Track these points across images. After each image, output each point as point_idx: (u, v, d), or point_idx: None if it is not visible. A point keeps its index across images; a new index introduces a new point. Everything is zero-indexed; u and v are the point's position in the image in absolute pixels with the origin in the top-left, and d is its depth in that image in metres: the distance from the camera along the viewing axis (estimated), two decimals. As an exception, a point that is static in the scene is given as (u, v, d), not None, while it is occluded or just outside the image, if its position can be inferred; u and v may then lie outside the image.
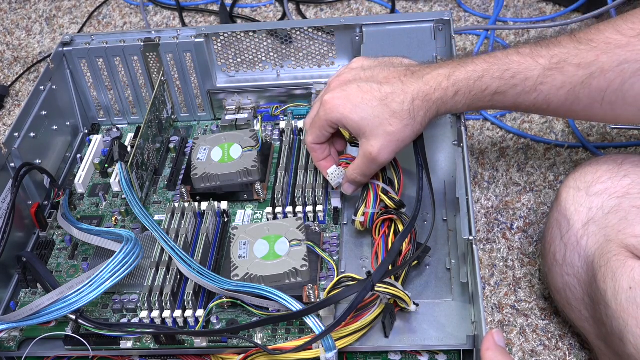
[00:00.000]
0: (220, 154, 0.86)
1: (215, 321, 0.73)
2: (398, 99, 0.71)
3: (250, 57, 0.96)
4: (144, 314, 0.72)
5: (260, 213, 0.85)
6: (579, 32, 0.69)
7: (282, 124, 0.91)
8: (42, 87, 0.92)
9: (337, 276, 0.71)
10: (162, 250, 0.76)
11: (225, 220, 0.83)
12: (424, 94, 0.71)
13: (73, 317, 0.70)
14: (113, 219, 0.87)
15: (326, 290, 0.69)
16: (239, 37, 0.95)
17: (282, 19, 1.38)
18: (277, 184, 0.83)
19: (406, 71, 0.73)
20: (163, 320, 0.72)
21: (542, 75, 0.69)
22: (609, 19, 0.70)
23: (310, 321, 0.66)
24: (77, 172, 0.92)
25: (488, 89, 0.71)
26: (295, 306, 0.67)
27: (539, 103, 0.71)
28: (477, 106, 0.73)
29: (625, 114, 0.70)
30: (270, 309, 0.70)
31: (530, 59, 0.70)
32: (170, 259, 0.75)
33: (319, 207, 0.81)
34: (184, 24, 1.40)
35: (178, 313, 0.72)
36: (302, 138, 0.89)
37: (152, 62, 0.96)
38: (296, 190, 0.81)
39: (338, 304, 0.71)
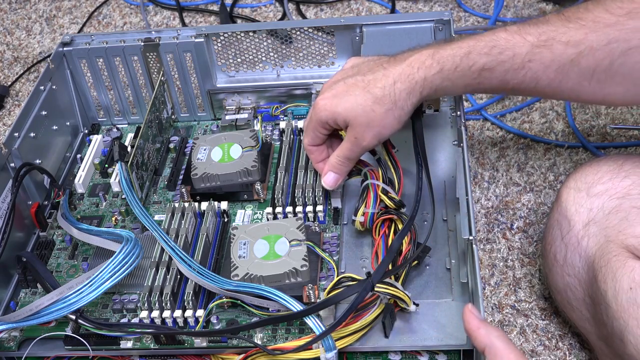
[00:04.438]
0: (220, 154, 0.86)
1: (215, 321, 0.73)
2: (379, 84, 0.71)
3: (250, 57, 0.96)
4: (144, 314, 0.72)
5: (260, 213, 0.85)
6: (567, 10, 0.68)
7: (282, 124, 0.91)
8: (42, 87, 0.92)
9: (337, 276, 0.71)
10: (162, 250, 0.76)
11: (225, 220, 0.83)
12: (406, 75, 0.70)
13: (73, 317, 0.70)
14: (113, 219, 0.87)
15: (326, 291, 0.69)
16: (239, 37, 0.95)
17: (282, 19, 1.38)
18: (277, 184, 0.83)
19: (389, 58, 0.73)
20: (163, 320, 0.72)
21: (530, 52, 0.68)
22: None
23: (311, 321, 0.66)
24: (77, 172, 0.92)
25: (475, 65, 0.69)
26: (296, 306, 0.67)
27: (526, 81, 0.69)
28: (463, 85, 0.71)
29: (613, 94, 0.69)
30: (270, 309, 0.70)
31: (518, 36, 0.68)
32: (170, 259, 0.75)
33: (319, 207, 0.81)
34: (184, 24, 1.40)
35: (178, 313, 0.72)
36: (301, 138, 0.89)
37: (152, 62, 0.96)
38: (296, 190, 0.81)
39: (338, 304, 0.71)
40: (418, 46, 0.74)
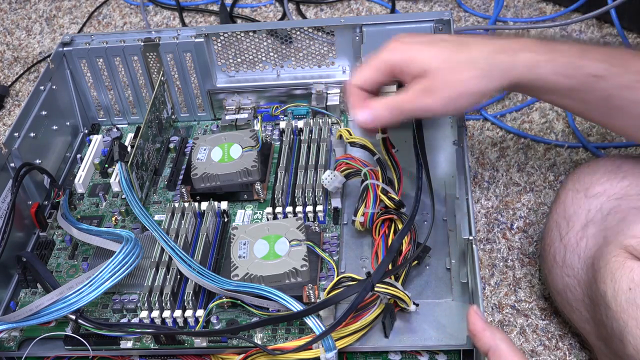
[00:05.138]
0: (220, 154, 0.86)
1: (215, 321, 0.73)
2: (478, 47, 0.62)
3: (250, 57, 0.96)
4: (144, 314, 0.72)
5: (260, 213, 0.85)
6: None
7: (282, 124, 0.91)
8: (42, 87, 0.92)
9: (337, 276, 0.71)
10: (162, 250, 0.76)
11: (225, 220, 0.83)
12: (513, 49, 0.62)
13: (73, 317, 0.70)
14: (113, 219, 0.87)
15: (326, 290, 0.69)
16: (239, 37, 0.95)
17: (282, 19, 1.38)
18: (277, 184, 0.83)
19: (490, 36, 0.66)
20: (163, 320, 0.72)
21: None
22: None
23: (311, 321, 0.66)
24: (77, 172, 0.92)
25: (587, 68, 0.61)
26: (296, 306, 0.67)
27: (633, 103, 0.61)
28: (568, 87, 0.62)
29: None
30: (270, 309, 0.70)
31: (637, 58, 0.61)
32: (170, 259, 0.75)
33: (319, 207, 0.81)
34: (184, 24, 1.40)
35: (178, 313, 0.72)
36: (302, 138, 0.89)
37: (152, 62, 0.96)
38: (296, 190, 0.81)
39: (338, 304, 0.71)
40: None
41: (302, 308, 0.67)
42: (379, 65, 0.66)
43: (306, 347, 0.66)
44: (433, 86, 0.62)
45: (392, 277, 0.69)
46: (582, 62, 0.62)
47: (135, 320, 0.74)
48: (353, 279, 0.69)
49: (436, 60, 0.62)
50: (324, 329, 0.66)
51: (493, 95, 0.62)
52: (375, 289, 0.66)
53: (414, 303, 0.69)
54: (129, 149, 0.88)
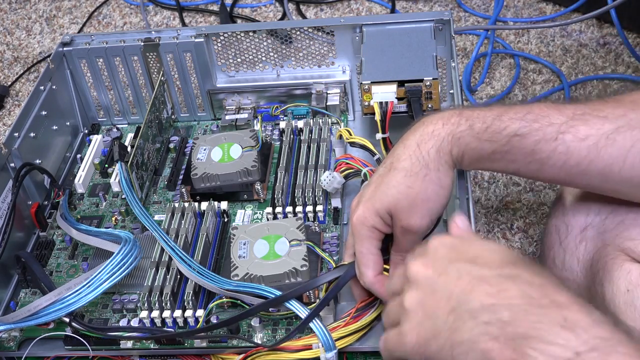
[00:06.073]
0: (220, 154, 0.86)
1: (215, 321, 0.73)
2: (402, 157, 0.64)
3: (250, 57, 0.96)
4: (144, 314, 0.72)
5: (260, 213, 0.85)
6: (604, 96, 0.64)
7: (282, 124, 0.91)
8: (42, 87, 0.92)
9: (337, 276, 0.71)
10: (162, 250, 0.76)
11: (225, 220, 0.83)
12: (428, 133, 0.64)
13: (67, 320, 0.70)
14: (113, 219, 0.87)
15: (324, 289, 0.70)
16: (239, 37, 0.95)
17: (282, 19, 1.38)
18: (277, 184, 0.83)
19: (401, 138, 0.67)
20: (163, 320, 0.72)
21: (565, 124, 0.62)
22: None
23: (292, 305, 0.67)
24: (77, 172, 0.92)
25: (506, 129, 0.63)
26: (295, 306, 0.67)
27: (556, 156, 0.63)
28: (490, 150, 0.64)
29: None
30: (270, 309, 0.70)
31: (554, 109, 0.63)
32: (170, 259, 0.75)
33: (319, 207, 0.81)
34: (184, 24, 1.40)
35: (178, 313, 0.72)
36: (302, 138, 0.89)
37: (152, 62, 0.96)
38: (296, 190, 0.81)
39: (338, 304, 0.71)
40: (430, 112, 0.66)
41: (303, 310, 0.67)
42: (365, 243, 0.66)
43: (293, 337, 0.67)
44: (405, 220, 0.64)
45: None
46: (501, 124, 0.63)
47: (136, 320, 0.74)
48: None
49: (390, 198, 0.64)
50: (308, 312, 0.67)
51: (452, 177, 0.65)
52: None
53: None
54: (129, 149, 0.88)
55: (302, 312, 0.67)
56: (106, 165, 0.93)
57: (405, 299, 0.53)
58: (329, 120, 0.92)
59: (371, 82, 0.83)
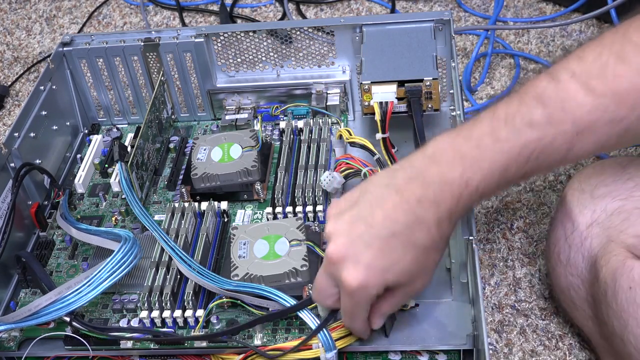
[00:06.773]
0: (220, 154, 0.86)
1: (215, 321, 0.73)
2: (423, 227, 0.59)
3: (250, 57, 0.96)
4: (144, 314, 0.72)
5: (260, 213, 0.85)
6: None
7: (282, 124, 0.91)
8: (42, 87, 0.92)
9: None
10: (162, 250, 0.76)
11: (225, 220, 0.83)
12: (447, 194, 0.59)
13: (67, 319, 0.70)
14: (113, 219, 0.87)
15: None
16: (239, 37, 0.95)
17: (282, 19, 1.38)
18: (277, 184, 0.83)
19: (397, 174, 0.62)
20: (163, 320, 0.72)
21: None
22: None
23: (303, 315, 0.67)
24: (77, 172, 0.92)
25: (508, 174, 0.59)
26: (307, 316, 0.67)
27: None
28: (506, 180, 0.59)
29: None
30: (270, 309, 0.70)
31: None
32: (170, 259, 0.75)
33: (319, 207, 0.81)
34: (184, 24, 1.40)
35: (178, 313, 0.72)
36: (301, 138, 0.89)
37: (152, 62, 0.96)
38: (296, 190, 0.81)
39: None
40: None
41: (313, 321, 0.67)
42: (362, 308, 0.63)
43: (302, 345, 0.67)
44: (413, 287, 0.63)
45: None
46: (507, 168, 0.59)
47: (136, 320, 0.74)
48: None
49: (408, 275, 0.60)
50: (319, 323, 0.66)
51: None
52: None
53: (414, 303, 0.69)
54: (129, 149, 0.88)
55: (313, 322, 0.66)
56: (106, 165, 0.93)
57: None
58: (329, 120, 0.92)
59: (371, 82, 0.83)
